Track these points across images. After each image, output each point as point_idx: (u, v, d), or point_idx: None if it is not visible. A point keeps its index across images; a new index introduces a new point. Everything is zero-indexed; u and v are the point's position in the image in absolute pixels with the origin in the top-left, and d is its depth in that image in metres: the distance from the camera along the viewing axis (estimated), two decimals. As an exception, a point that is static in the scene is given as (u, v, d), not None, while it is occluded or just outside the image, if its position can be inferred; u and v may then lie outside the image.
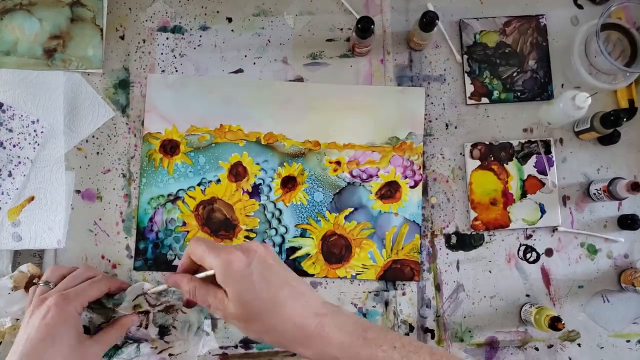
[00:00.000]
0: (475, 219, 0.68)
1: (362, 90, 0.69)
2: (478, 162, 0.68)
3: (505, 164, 0.68)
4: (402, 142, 0.68)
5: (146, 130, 0.68)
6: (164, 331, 0.63)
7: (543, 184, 0.68)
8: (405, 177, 0.68)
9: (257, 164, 0.68)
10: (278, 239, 0.67)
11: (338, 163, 0.68)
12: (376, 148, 0.69)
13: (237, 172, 0.68)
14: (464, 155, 0.69)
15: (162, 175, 0.68)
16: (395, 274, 0.67)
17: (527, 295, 0.68)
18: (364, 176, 0.68)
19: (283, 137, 0.68)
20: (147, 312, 0.62)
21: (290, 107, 0.69)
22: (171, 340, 0.63)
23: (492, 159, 0.68)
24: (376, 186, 0.68)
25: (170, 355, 0.62)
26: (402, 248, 0.67)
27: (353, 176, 0.68)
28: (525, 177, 0.68)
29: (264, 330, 0.44)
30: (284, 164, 0.68)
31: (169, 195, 0.68)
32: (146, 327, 0.62)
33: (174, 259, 0.67)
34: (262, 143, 0.68)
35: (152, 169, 0.68)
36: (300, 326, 0.43)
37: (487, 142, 0.68)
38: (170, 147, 0.68)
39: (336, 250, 0.67)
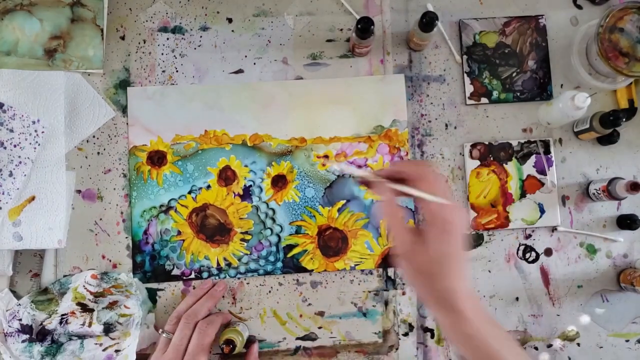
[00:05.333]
0: (475, 218, 0.68)
1: (343, 83, 0.69)
2: (477, 162, 0.69)
3: (504, 164, 0.69)
4: (387, 130, 0.69)
5: (131, 144, 0.68)
6: (109, 328, 0.63)
7: (542, 184, 0.68)
8: None
9: (246, 166, 0.68)
10: (274, 238, 0.68)
11: (326, 157, 0.69)
12: (362, 138, 0.69)
13: (227, 176, 0.68)
14: (463, 155, 0.69)
15: (152, 186, 0.68)
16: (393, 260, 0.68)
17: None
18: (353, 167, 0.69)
19: (269, 137, 0.69)
20: (91, 310, 0.63)
21: (272, 106, 0.69)
22: (117, 337, 0.63)
23: (492, 158, 0.69)
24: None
25: (116, 351, 0.63)
26: None
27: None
28: (524, 177, 0.68)
29: (427, 280, 0.49)
30: (273, 163, 0.68)
31: (160, 206, 0.68)
32: (90, 325, 0.62)
33: (172, 269, 0.67)
34: (249, 145, 0.69)
35: (142, 182, 0.68)
36: (454, 293, 0.48)
37: (487, 142, 0.69)
38: (157, 158, 0.68)
39: (333, 243, 0.68)
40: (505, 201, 0.68)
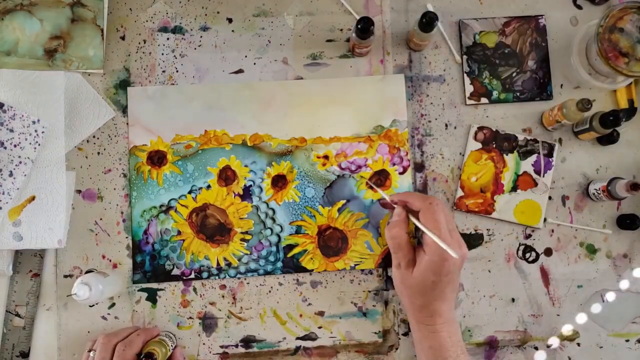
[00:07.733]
0: (460, 197, 0.68)
1: (343, 82, 0.69)
2: (479, 145, 0.69)
3: (505, 155, 0.69)
4: (387, 130, 0.69)
5: (132, 144, 0.68)
6: None
7: (536, 184, 0.68)
8: (394, 164, 0.69)
9: (246, 166, 0.68)
10: (274, 238, 0.68)
11: (326, 157, 0.69)
12: (362, 138, 0.69)
13: (227, 176, 0.68)
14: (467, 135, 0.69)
15: (152, 186, 0.68)
16: None
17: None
18: (353, 167, 0.69)
19: (269, 137, 0.69)
20: None
21: (272, 106, 0.69)
22: None
23: (494, 146, 0.69)
24: (366, 176, 0.68)
25: None
26: None
27: (342, 169, 0.69)
28: (520, 172, 0.68)
29: (414, 295, 0.59)
30: (273, 163, 0.68)
31: (161, 206, 0.68)
32: None
33: (172, 269, 0.67)
34: (249, 145, 0.69)
35: (142, 182, 0.68)
36: (434, 312, 0.58)
37: (494, 129, 0.69)
38: (157, 158, 0.68)
39: (332, 243, 0.68)
40: (495, 190, 0.68)
